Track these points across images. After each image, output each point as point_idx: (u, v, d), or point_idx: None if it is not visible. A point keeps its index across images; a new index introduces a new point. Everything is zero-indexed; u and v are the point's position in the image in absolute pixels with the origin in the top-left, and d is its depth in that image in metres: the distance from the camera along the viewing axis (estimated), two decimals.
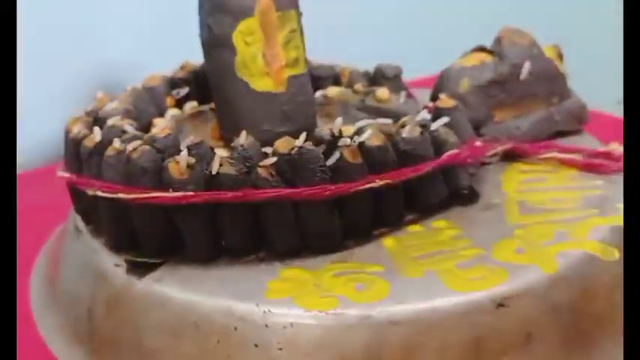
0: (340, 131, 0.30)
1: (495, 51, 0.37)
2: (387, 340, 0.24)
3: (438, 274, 0.26)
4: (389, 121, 0.32)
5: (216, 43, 0.32)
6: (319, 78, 0.39)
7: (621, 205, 0.31)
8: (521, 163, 0.35)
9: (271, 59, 0.32)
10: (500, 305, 0.25)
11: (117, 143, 0.29)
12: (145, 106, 0.36)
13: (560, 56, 0.39)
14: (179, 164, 0.28)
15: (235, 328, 0.25)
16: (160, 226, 0.28)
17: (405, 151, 0.30)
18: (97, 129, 0.31)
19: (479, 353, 0.25)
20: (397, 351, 0.24)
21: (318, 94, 0.38)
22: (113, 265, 0.29)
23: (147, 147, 0.29)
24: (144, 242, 0.29)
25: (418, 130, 0.31)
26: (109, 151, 0.29)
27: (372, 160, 0.29)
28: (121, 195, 0.28)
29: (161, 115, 0.37)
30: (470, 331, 0.25)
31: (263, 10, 0.31)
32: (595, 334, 0.27)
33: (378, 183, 0.29)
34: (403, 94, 0.37)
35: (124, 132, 0.31)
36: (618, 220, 0.30)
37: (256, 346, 0.25)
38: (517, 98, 0.37)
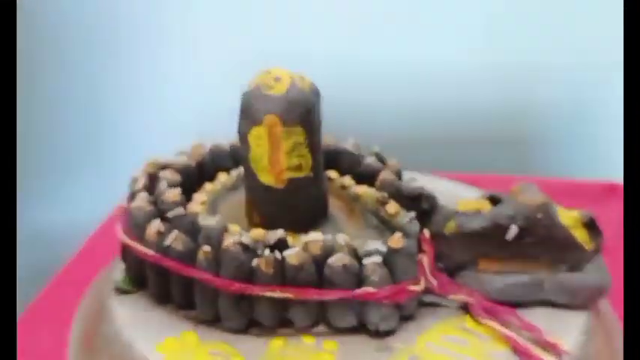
0: (281, 239, 0.36)
1: (497, 203, 0.37)
2: None
3: None
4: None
5: (241, 137, 0.40)
6: (365, 174, 0.44)
7: None
8: (471, 319, 0.36)
9: (274, 162, 0.39)
10: None
11: (140, 195, 0.40)
12: (219, 161, 0.46)
13: (589, 226, 0.37)
14: (151, 228, 0.37)
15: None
16: (137, 265, 0.39)
17: (325, 275, 0.35)
18: (143, 178, 0.42)
19: None
20: None
21: (353, 189, 0.44)
22: None
23: (147, 207, 0.39)
24: (130, 270, 0.40)
25: (344, 260, 0.35)
26: (133, 201, 0.40)
27: (287, 273, 0.35)
28: (121, 234, 0.39)
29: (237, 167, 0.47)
30: None
31: (269, 123, 0.38)
32: None
33: (278, 294, 0.34)
34: (411, 214, 0.40)
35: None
36: None
37: None
38: (506, 255, 0.37)
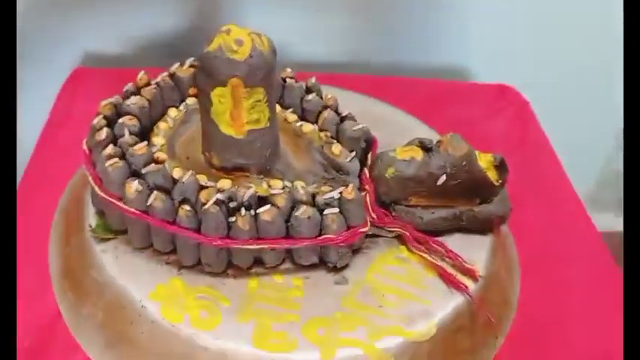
0: (252, 196, 0.41)
1: (429, 151, 0.44)
2: None
3: (254, 327, 0.39)
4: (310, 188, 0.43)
5: (202, 91, 0.43)
6: (306, 110, 0.49)
7: (430, 325, 0.40)
8: (405, 249, 0.45)
9: (236, 117, 0.43)
10: None
11: (107, 150, 0.43)
12: (169, 95, 0.48)
13: (499, 167, 0.45)
14: (131, 188, 0.41)
15: (125, 307, 0.40)
16: (116, 218, 0.43)
17: (292, 225, 0.41)
18: (105, 129, 0.44)
19: None
20: None
21: (297, 124, 0.48)
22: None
23: (120, 164, 0.42)
24: (108, 219, 0.44)
25: (308, 213, 0.41)
26: (102, 153, 0.43)
27: (260, 227, 0.41)
28: (98, 190, 0.42)
29: (182, 100, 0.49)
30: None
31: (233, 84, 0.42)
32: None
33: (255, 246, 0.41)
34: (352, 154, 0.47)
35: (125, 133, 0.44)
36: (417, 336, 0.40)
37: (131, 323, 0.40)
38: (434, 193, 0.45)
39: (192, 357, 0.39)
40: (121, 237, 0.44)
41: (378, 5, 0.70)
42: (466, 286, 0.43)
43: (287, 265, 0.43)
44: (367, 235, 0.45)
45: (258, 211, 0.41)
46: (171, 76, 0.49)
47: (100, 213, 0.45)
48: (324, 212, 0.42)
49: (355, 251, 0.44)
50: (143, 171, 0.42)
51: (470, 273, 0.43)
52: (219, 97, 0.42)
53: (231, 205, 0.41)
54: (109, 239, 0.44)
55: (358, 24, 0.71)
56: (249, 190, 0.42)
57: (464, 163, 0.44)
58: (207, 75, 0.42)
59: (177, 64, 0.50)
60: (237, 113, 0.43)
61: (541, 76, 0.68)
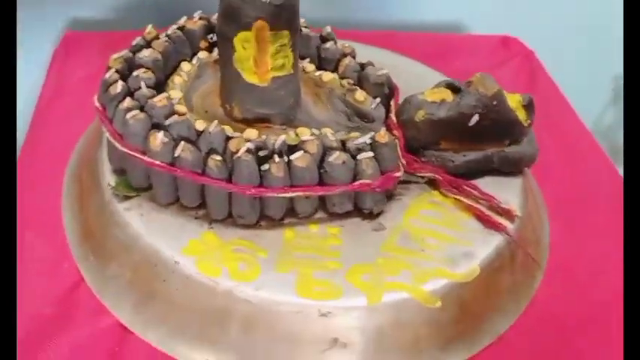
0: (284, 143, 0.40)
1: (459, 92, 0.43)
2: (233, 313, 0.37)
3: (296, 276, 0.38)
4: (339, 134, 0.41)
5: (223, 38, 0.41)
6: (325, 59, 0.48)
7: (474, 267, 0.39)
8: (438, 193, 0.44)
9: (260, 63, 0.41)
10: (322, 315, 0.37)
11: (126, 103, 0.40)
12: (181, 48, 0.46)
13: (527, 107, 0.45)
14: (156, 140, 0.39)
15: (156, 265, 0.38)
16: (139, 174, 0.41)
17: (326, 172, 0.40)
18: (119, 82, 0.42)
19: (294, 348, 0.37)
20: (238, 321, 0.37)
21: (317, 74, 0.47)
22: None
23: (142, 116, 0.40)
24: (129, 176, 0.41)
25: (342, 157, 0.40)
26: (120, 107, 0.40)
27: (294, 174, 0.39)
28: (117, 144, 0.40)
29: (194, 54, 0.47)
30: (290, 327, 0.36)
31: (258, 27, 0.40)
32: (392, 356, 0.38)
33: (290, 194, 0.39)
34: (377, 100, 0.45)
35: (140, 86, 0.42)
36: (461, 277, 0.39)
37: (164, 280, 0.38)
38: (465, 136, 0.44)
39: (233, 311, 0.37)
40: (144, 194, 0.41)
41: None
42: (505, 226, 0.42)
43: (320, 214, 0.42)
44: (399, 182, 0.44)
45: (291, 157, 0.39)
46: (181, 29, 0.47)
47: (119, 171, 0.42)
48: (358, 157, 0.40)
49: (389, 197, 0.43)
50: (166, 122, 0.40)
51: (506, 213, 0.42)
52: (243, 42, 0.40)
53: (261, 153, 0.39)
54: (132, 197, 0.41)
55: None
56: (280, 137, 0.40)
57: (494, 102, 0.43)
58: (230, 19, 0.40)
59: (184, 18, 0.48)
60: (261, 59, 0.41)
61: (537, 27, 0.68)
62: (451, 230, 0.41)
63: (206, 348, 0.37)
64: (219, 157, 0.39)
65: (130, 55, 0.44)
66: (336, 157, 0.40)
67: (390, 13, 0.71)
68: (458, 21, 0.71)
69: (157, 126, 0.40)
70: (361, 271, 0.38)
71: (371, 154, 0.40)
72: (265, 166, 0.39)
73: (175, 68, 0.46)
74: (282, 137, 0.40)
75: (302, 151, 0.39)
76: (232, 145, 0.39)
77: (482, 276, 0.40)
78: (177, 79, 0.45)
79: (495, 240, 0.41)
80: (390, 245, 0.40)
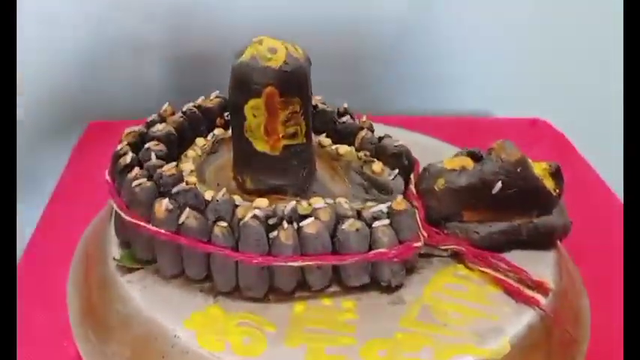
0: (294, 210, 0.38)
1: (479, 160, 0.41)
2: None
3: (306, 351, 0.34)
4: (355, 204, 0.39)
5: (234, 108, 0.41)
6: (342, 133, 0.47)
7: (503, 343, 0.36)
8: (463, 267, 0.40)
9: (271, 131, 0.40)
10: None
11: (134, 172, 0.39)
12: (196, 124, 0.46)
13: (554, 175, 0.42)
14: (161, 207, 0.37)
15: (155, 339, 0.36)
16: (144, 245, 0.39)
17: (339, 239, 0.37)
18: (129, 154, 0.41)
19: None
20: None
21: (333, 147, 0.46)
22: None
23: (149, 184, 0.38)
24: (133, 247, 0.40)
25: (356, 225, 0.37)
26: (128, 176, 0.39)
27: (304, 242, 0.37)
28: (123, 214, 0.39)
29: (210, 131, 0.47)
30: None
31: (268, 94, 0.39)
32: None
33: (299, 262, 0.37)
34: (395, 171, 0.43)
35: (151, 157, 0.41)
36: (490, 354, 0.35)
37: (163, 357, 0.35)
38: (489, 206, 0.41)
39: None
40: (149, 268, 0.39)
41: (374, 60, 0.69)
42: (537, 300, 0.38)
43: (334, 288, 0.39)
44: (420, 255, 0.41)
45: (301, 224, 0.37)
46: (198, 107, 0.47)
47: (125, 244, 0.41)
48: (374, 225, 0.38)
49: (409, 271, 0.40)
50: (173, 190, 0.38)
51: (539, 286, 0.39)
52: (253, 109, 0.40)
53: (271, 222, 0.37)
54: (136, 269, 0.40)
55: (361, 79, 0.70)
56: (289, 204, 0.38)
57: (519, 169, 0.41)
58: (240, 88, 0.39)
59: (201, 98, 0.48)
60: (272, 127, 0.40)
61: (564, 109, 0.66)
62: (477, 304, 0.38)
63: None
64: (225, 224, 0.37)
65: (144, 130, 0.44)
66: (349, 225, 0.37)
67: (416, 102, 0.71)
68: (484, 108, 0.71)
69: (163, 195, 0.38)
70: (378, 347, 0.35)
71: (387, 221, 0.38)
72: (274, 234, 0.37)
73: (190, 144, 0.45)
74: (293, 203, 0.38)
75: (313, 218, 0.37)
76: (240, 212, 0.37)
77: (513, 354, 0.36)
78: (190, 153, 0.44)
79: (527, 315, 0.37)
80: (409, 320, 0.37)
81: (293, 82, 0.39)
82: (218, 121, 0.47)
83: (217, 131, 0.47)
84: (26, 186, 0.57)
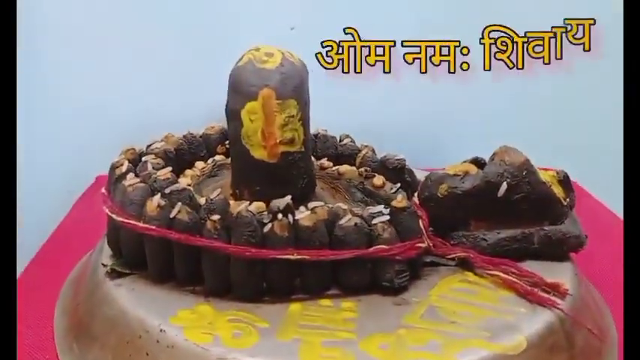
0: (289, 205, 0.36)
1: (483, 167, 0.40)
2: None
3: (300, 343, 0.31)
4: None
5: (231, 114, 0.40)
6: (342, 155, 0.46)
7: (519, 339, 0.32)
8: (472, 273, 0.38)
9: (268, 136, 0.39)
10: None
11: (128, 177, 0.38)
12: (196, 149, 0.46)
13: (563, 182, 0.40)
14: (152, 203, 0.36)
15: (140, 337, 0.33)
16: (133, 248, 0.37)
17: (336, 236, 0.35)
18: (126, 164, 0.40)
19: None
20: None
21: (334, 168, 0.45)
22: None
23: (141, 185, 0.37)
24: (124, 252, 0.38)
25: (354, 220, 0.36)
26: (123, 181, 0.39)
27: (300, 235, 0.35)
28: (114, 216, 0.37)
29: (211, 156, 0.46)
30: None
31: (265, 96, 0.39)
32: None
33: (294, 256, 0.34)
34: (398, 185, 0.42)
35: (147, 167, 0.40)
36: (501, 349, 0.32)
37: (147, 354, 0.32)
38: (496, 212, 0.39)
39: None
40: (140, 274, 0.37)
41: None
42: (555, 301, 0.35)
43: (334, 290, 0.36)
44: (425, 264, 0.38)
45: (297, 217, 0.35)
46: (200, 136, 0.47)
47: (117, 253, 0.39)
48: (373, 222, 0.36)
49: (414, 277, 0.37)
50: (166, 190, 0.37)
51: (555, 288, 0.36)
52: (250, 113, 0.39)
53: (266, 219, 0.36)
54: (126, 275, 0.37)
55: None
56: (285, 198, 0.36)
57: (524, 172, 0.39)
58: (237, 91, 0.39)
59: (204, 127, 0.48)
60: (269, 131, 0.39)
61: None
62: (488, 304, 0.35)
63: None
64: (217, 217, 0.35)
65: (144, 149, 0.44)
66: (348, 220, 0.36)
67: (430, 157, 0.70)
68: None
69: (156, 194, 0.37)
70: (379, 340, 0.32)
71: (387, 217, 0.36)
72: (268, 227, 0.35)
73: (190, 167, 0.45)
74: (288, 197, 0.36)
75: (309, 212, 0.36)
76: (233, 208, 0.36)
77: (530, 352, 0.32)
78: (189, 172, 0.44)
79: (544, 315, 0.34)
80: (413, 318, 0.34)
81: (289, 84, 0.39)
82: (219, 148, 0.47)
83: (218, 157, 0.46)
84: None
